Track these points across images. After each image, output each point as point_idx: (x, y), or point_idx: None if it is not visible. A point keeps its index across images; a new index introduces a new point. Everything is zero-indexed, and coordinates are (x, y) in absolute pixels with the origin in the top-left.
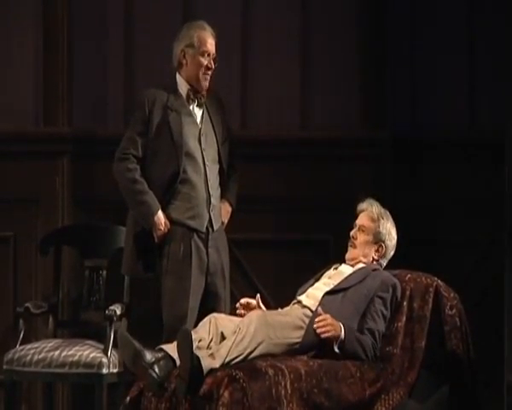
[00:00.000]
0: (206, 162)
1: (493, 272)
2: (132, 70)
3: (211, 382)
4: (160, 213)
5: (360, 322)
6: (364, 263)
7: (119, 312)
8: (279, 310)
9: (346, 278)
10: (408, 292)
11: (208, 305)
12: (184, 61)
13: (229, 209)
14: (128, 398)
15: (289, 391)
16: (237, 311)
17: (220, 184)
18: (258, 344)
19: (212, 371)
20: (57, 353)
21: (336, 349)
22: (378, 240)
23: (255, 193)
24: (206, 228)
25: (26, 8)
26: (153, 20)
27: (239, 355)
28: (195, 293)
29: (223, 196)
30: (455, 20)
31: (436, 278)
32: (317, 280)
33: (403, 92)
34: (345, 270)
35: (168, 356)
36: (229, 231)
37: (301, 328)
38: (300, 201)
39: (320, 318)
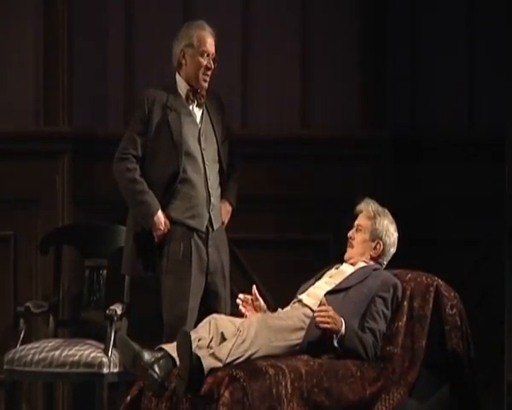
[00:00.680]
0: (206, 162)
1: (493, 272)
2: (132, 69)
3: (211, 381)
4: (160, 213)
5: (361, 322)
6: (365, 262)
7: (119, 311)
8: (279, 311)
9: (347, 277)
10: (408, 292)
11: (209, 304)
12: (184, 61)
13: (230, 209)
14: (128, 398)
15: (290, 390)
16: (240, 308)
17: (220, 183)
18: (259, 347)
19: (212, 370)
20: (58, 352)
21: (336, 344)
22: (375, 237)
23: (255, 193)
24: (206, 227)
25: (27, 7)
26: (153, 20)
27: (239, 357)
28: (195, 293)
29: (223, 196)
30: (455, 20)
31: (436, 278)
32: (318, 280)
33: (403, 92)
34: (346, 269)
35: (168, 355)
36: (229, 231)
37: (302, 329)
38: (300, 200)
39: (322, 308)
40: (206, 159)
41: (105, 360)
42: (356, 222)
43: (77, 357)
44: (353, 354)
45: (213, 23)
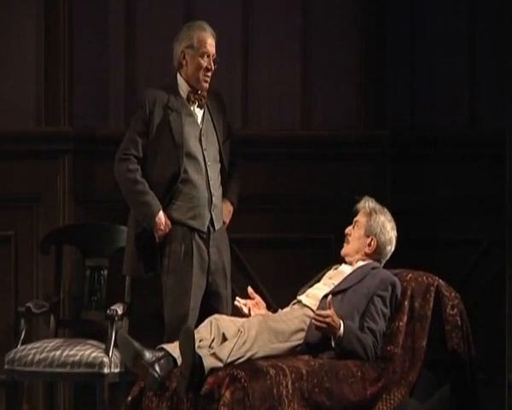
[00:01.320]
0: (208, 162)
1: (494, 272)
2: (133, 69)
3: (212, 381)
4: (161, 214)
5: (360, 322)
6: (362, 261)
7: (120, 311)
8: (279, 312)
9: (346, 278)
10: (409, 291)
11: (210, 304)
12: (184, 62)
13: (231, 209)
14: (129, 397)
15: (290, 391)
16: (242, 308)
17: (221, 183)
18: (260, 348)
19: (213, 370)
20: (58, 352)
21: (333, 345)
22: (369, 233)
23: (256, 192)
24: (208, 228)
25: (28, 8)
26: (154, 20)
27: (240, 357)
28: (196, 293)
29: (224, 196)
30: (455, 20)
31: (437, 278)
32: (318, 281)
33: (403, 92)
34: (345, 270)
35: (169, 355)
36: (229, 231)
37: (302, 330)
38: (301, 200)
39: (321, 312)
40: (207, 159)
41: (106, 360)
42: (354, 219)
43: (78, 357)
44: (353, 355)
45: (214, 22)
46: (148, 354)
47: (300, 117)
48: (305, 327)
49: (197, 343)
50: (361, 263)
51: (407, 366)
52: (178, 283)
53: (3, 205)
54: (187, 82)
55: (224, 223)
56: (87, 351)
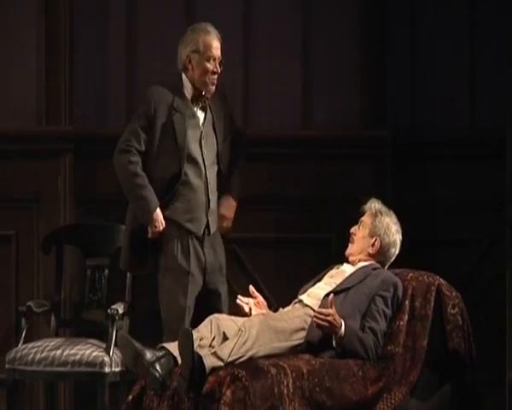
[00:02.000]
0: (207, 165)
1: (495, 271)
2: (134, 69)
3: (213, 380)
4: (159, 211)
5: (362, 321)
6: (365, 261)
7: (121, 311)
8: (280, 311)
9: (348, 277)
10: (410, 291)
11: (211, 304)
12: (190, 66)
13: (234, 204)
14: (130, 397)
15: (291, 390)
16: (244, 307)
17: (218, 186)
18: (261, 347)
19: (214, 370)
20: (59, 352)
21: (334, 345)
22: (373, 234)
23: (256, 192)
24: (203, 231)
25: (29, 8)
26: (154, 20)
27: (241, 357)
28: (193, 291)
29: (226, 191)
30: (455, 19)
31: (438, 277)
32: (319, 280)
33: (403, 91)
34: (346, 269)
35: (169, 354)
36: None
37: (303, 329)
38: (301, 200)
39: (322, 311)
40: (206, 162)
41: (106, 359)
42: (360, 219)
43: (78, 356)
44: (353, 355)
45: (215, 22)
46: (148, 354)
47: (301, 117)
48: (306, 326)
49: (197, 342)
50: (363, 263)
51: (408, 365)
52: (174, 281)
53: (4, 205)
54: (192, 84)
55: (227, 218)
56: (88, 350)
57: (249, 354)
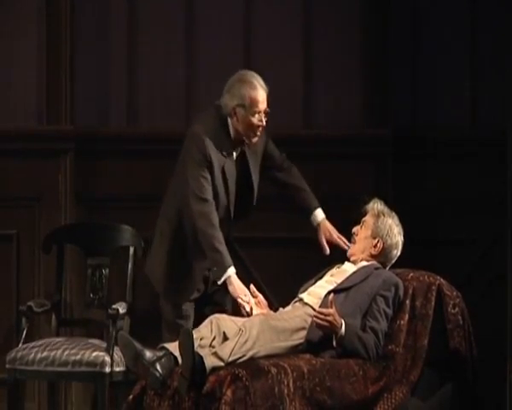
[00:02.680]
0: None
1: (495, 271)
2: (134, 69)
3: (214, 380)
4: (235, 276)
5: (363, 321)
6: (366, 261)
7: (121, 310)
8: (280, 310)
9: (349, 276)
10: (410, 291)
11: (214, 300)
12: (235, 118)
13: (328, 224)
14: (131, 396)
15: (292, 389)
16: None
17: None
18: (261, 347)
19: (214, 369)
20: (60, 351)
21: (335, 344)
22: (376, 235)
23: (257, 192)
24: None
25: (30, 7)
26: (155, 19)
27: (242, 356)
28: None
29: (314, 209)
30: (456, 19)
31: (439, 277)
32: (320, 279)
33: (404, 91)
34: (347, 268)
35: (170, 354)
36: None
37: (303, 329)
38: None
39: (323, 310)
40: (231, 211)
41: (107, 358)
42: (362, 219)
43: (79, 356)
44: (354, 354)
45: (215, 22)
46: (148, 354)
47: (302, 116)
48: (307, 326)
49: (198, 342)
50: (364, 263)
51: (408, 365)
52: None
53: (5, 204)
54: (236, 131)
55: (335, 238)
56: (88, 350)
57: (250, 353)
